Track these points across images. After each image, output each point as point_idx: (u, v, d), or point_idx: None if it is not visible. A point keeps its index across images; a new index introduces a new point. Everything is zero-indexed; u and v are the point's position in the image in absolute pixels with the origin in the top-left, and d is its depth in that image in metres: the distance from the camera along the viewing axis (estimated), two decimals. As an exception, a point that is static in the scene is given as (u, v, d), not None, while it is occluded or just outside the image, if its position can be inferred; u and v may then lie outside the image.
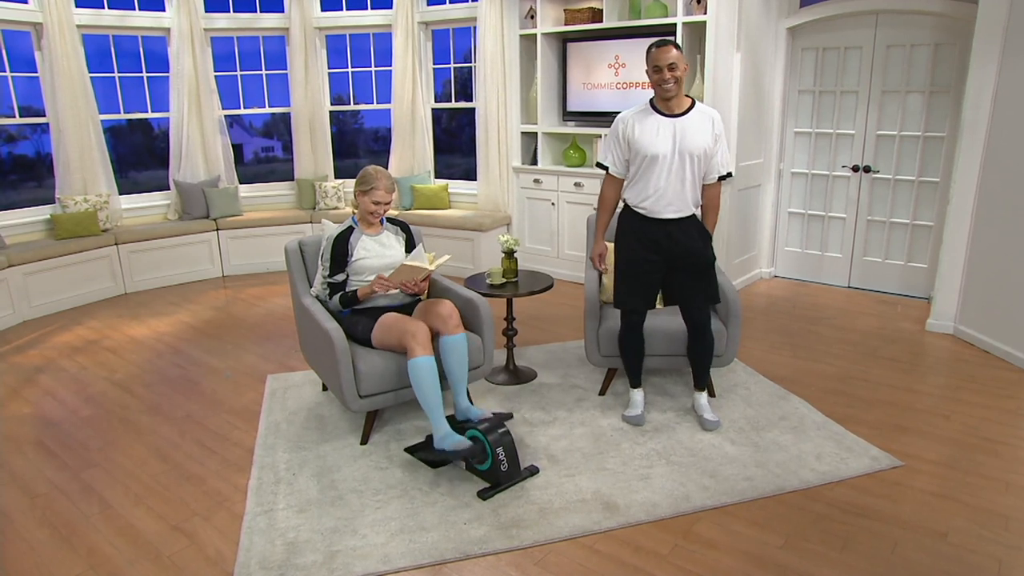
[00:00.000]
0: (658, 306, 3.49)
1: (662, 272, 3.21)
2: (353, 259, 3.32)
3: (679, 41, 5.09)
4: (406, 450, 3.18)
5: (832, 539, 2.54)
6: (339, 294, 3.32)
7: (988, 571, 2.37)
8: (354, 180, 3.51)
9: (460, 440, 2.89)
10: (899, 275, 5.45)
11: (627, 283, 3.25)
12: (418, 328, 3.10)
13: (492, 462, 2.84)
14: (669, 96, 3.03)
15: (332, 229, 3.41)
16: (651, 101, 3.13)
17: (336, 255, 3.31)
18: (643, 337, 3.40)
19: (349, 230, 3.37)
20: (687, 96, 3.11)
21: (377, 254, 3.35)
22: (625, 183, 3.22)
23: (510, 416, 3.32)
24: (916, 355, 4.29)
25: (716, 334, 3.44)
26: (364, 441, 3.28)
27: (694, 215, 3.20)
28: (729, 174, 3.23)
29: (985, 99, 4.22)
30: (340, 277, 3.33)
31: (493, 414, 3.11)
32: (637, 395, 3.48)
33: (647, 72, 3.07)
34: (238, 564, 2.45)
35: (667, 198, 3.09)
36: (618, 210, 3.34)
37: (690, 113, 3.08)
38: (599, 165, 3.28)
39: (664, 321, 3.51)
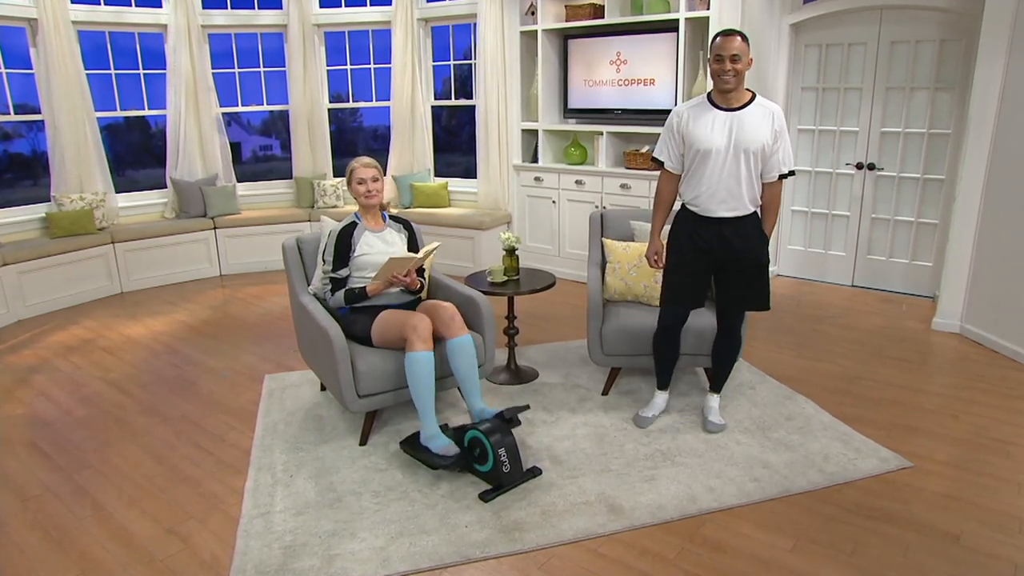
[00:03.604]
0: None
1: (710, 274, 3.09)
2: (355, 255, 3.27)
3: (680, 37, 5.05)
4: (400, 444, 3.13)
5: (842, 542, 2.49)
6: (344, 290, 3.27)
7: (1004, 575, 2.32)
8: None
9: (448, 444, 2.90)
10: (903, 274, 5.40)
11: (673, 282, 3.12)
12: (420, 321, 3.04)
13: (494, 463, 2.78)
14: (727, 88, 2.87)
15: (334, 224, 3.36)
16: (709, 95, 2.98)
17: (340, 249, 3.27)
18: (679, 338, 3.27)
19: (352, 225, 3.32)
20: (748, 90, 2.94)
21: (379, 250, 3.30)
22: (681, 179, 3.08)
23: (527, 407, 3.13)
24: (922, 354, 4.24)
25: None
26: (363, 442, 3.22)
27: (754, 214, 3.02)
28: (792, 172, 3.02)
29: (992, 95, 4.17)
30: (344, 272, 3.28)
31: (508, 408, 3.00)
32: (660, 398, 3.40)
33: (708, 62, 2.93)
34: (234, 568, 2.40)
35: (720, 195, 2.93)
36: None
37: (749, 107, 2.90)
38: (654, 160, 3.12)
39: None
